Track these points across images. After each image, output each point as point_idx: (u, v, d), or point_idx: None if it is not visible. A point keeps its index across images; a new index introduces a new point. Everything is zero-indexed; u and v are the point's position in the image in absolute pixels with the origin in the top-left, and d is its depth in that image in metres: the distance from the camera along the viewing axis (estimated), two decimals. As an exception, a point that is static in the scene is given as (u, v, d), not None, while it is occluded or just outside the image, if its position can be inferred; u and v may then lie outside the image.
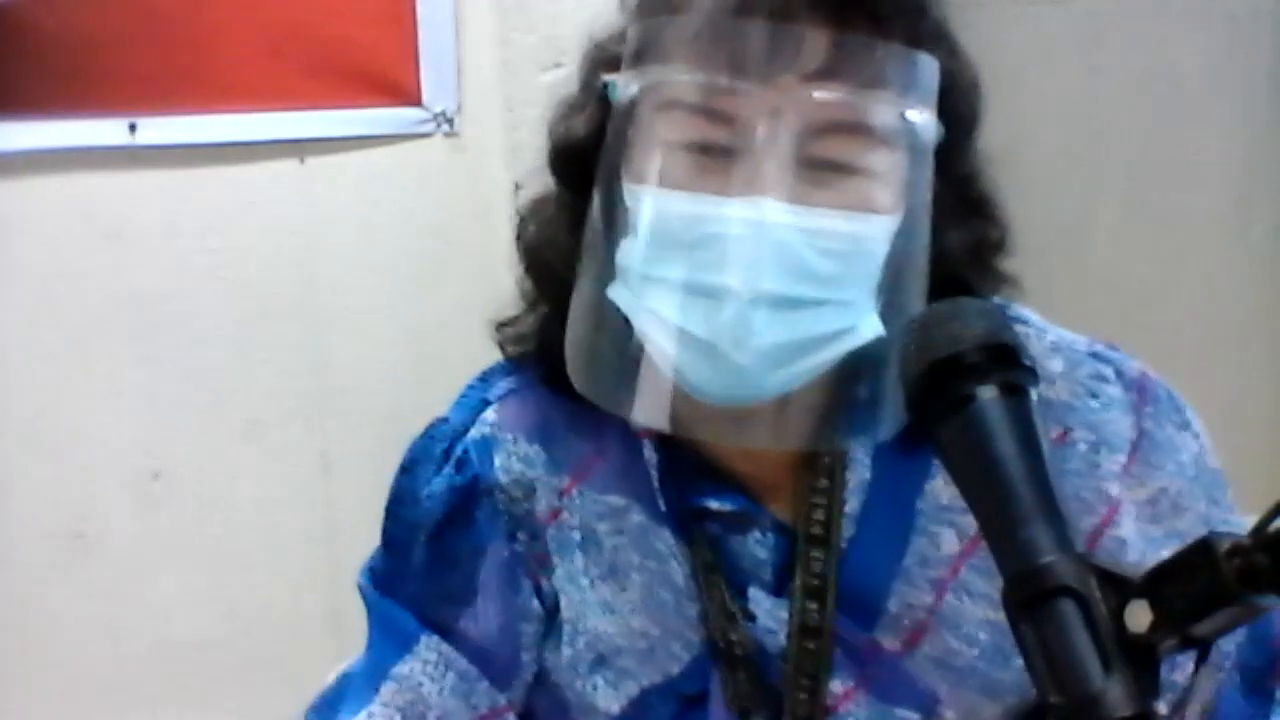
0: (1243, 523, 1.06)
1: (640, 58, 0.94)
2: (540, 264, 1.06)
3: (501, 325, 1.11)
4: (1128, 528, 1.04)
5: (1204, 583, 0.66)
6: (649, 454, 1.05)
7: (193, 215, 2.24)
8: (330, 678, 1.14)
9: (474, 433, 1.09)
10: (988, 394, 0.75)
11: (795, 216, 0.89)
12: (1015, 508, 0.72)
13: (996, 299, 1.04)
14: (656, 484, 1.05)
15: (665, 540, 1.05)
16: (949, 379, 0.76)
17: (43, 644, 2.26)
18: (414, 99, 2.31)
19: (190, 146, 2.22)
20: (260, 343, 2.28)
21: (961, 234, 1.00)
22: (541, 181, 1.07)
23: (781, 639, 1.03)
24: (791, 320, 0.91)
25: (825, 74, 0.89)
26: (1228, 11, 2.81)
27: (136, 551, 2.27)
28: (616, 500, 1.06)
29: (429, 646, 1.07)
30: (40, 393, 2.22)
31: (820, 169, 0.91)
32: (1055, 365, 1.06)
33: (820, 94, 0.89)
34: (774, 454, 1.04)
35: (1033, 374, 0.77)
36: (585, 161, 0.99)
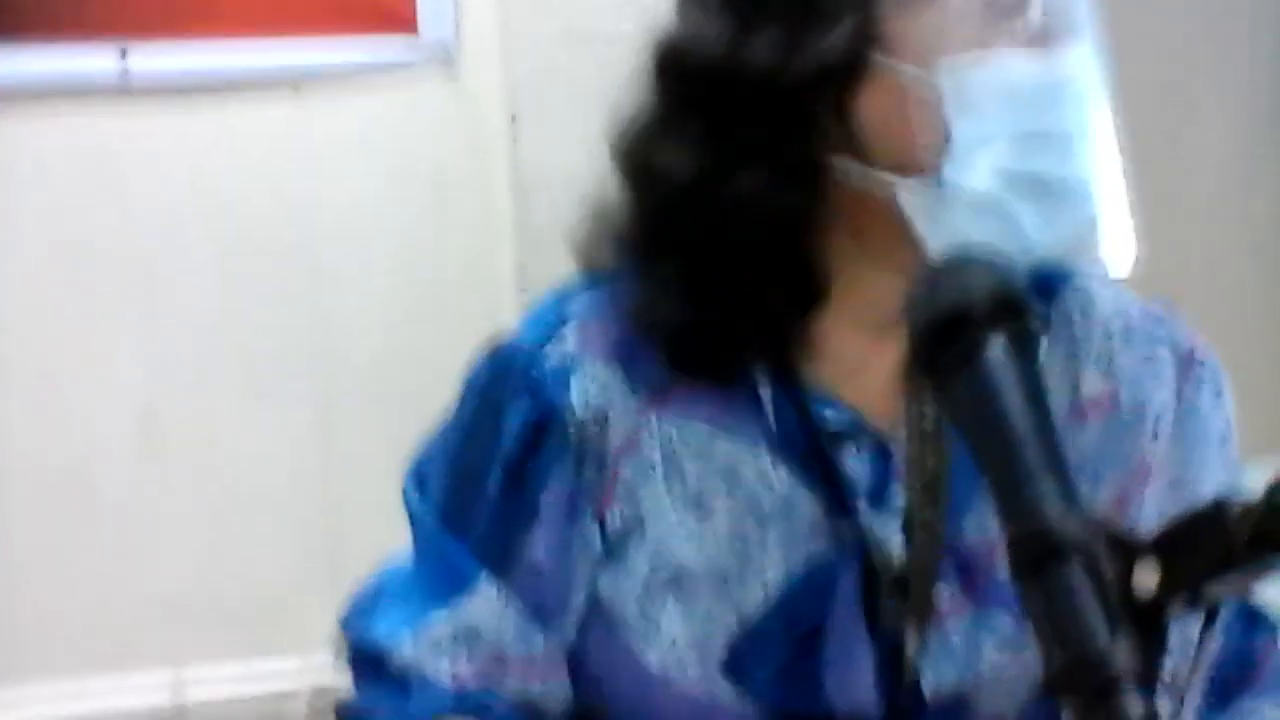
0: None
1: None
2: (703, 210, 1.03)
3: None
4: (1149, 499, 1.06)
5: (1214, 544, 0.66)
6: (759, 373, 1.04)
7: (186, 154, 2.22)
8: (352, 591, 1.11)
9: (552, 355, 1.07)
10: (995, 349, 0.75)
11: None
12: (1022, 463, 0.72)
13: None
14: (769, 402, 1.04)
15: (757, 467, 1.04)
16: (956, 333, 0.76)
17: (39, 595, 2.26)
18: (410, 27, 2.28)
19: (182, 75, 2.20)
20: (258, 290, 2.27)
21: None
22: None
23: (897, 548, 1.04)
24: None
25: None
26: (1228, 3, 2.81)
27: (134, 505, 2.27)
28: (700, 428, 1.05)
29: (488, 581, 1.05)
30: (35, 343, 2.21)
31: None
32: (1117, 324, 1.09)
33: None
34: (885, 362, 1.05)
35: (1037, 333, 0.77)
36: (830, 84, 1.00)
